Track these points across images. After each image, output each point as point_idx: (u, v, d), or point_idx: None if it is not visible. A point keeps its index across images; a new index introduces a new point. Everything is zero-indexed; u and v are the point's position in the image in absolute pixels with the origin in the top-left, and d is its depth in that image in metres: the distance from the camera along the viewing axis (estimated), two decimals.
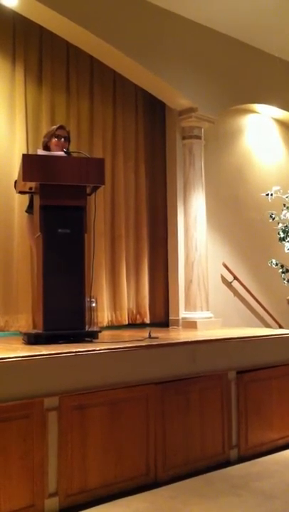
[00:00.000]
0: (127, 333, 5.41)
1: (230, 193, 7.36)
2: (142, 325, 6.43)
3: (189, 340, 4.48)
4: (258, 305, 7.36)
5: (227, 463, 4.39)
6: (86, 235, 4.36)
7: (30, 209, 4.82)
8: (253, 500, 3.64)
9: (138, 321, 6.49)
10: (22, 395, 3.31)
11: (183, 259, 6.64)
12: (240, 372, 4.61)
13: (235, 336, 4.85)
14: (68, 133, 4.91)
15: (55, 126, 4.91)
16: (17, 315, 5.48)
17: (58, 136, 4.77)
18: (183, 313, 6.57)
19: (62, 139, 4.77)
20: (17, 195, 5.20)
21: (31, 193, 4.62)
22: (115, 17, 5.88)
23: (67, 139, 4.85)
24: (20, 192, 4.70)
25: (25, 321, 5.48)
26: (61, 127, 4.85)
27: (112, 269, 6.30)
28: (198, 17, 6.59)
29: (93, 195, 4.61)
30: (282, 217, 6.78)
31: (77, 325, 4.17)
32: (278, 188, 6.82)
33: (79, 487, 3.53)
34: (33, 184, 4.30)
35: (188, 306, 6.55)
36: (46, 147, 4.80)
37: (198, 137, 6.73)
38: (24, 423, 3.32)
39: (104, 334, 4.70)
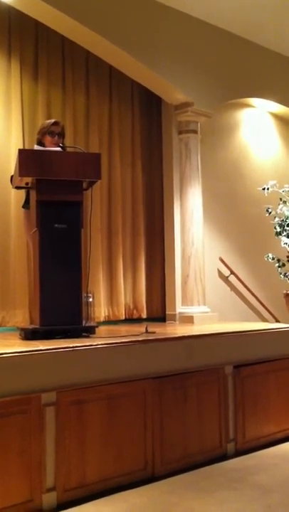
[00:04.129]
0: (124, 328, 5.42)
1: (227, 188, 7.36)
2: (139, 320, 6.44)
3: (186, 334, 4.48)
4: (255, 299, 7.37)
5: (224, 457, 4.40)
6: (82, 230, 4.35)
7: (26, 204, 4.80)
8: (250, 493, 3.65)
9: (135, 316, 6.50)
10: (19, 390, 3.31)
11: (179, 254, 6.64)
12: (237, 367, 4.63)
13: (232, 330, 4.86)
14: (63, 128, 4.83)
15: (48, 122, 4.81)
16: (14, 310, 5.48)
17: (52, 133, 4.70)
18: (180, 308, 6.58)
19: (56, 136, 4.70)
20: (13, 191, 5.20)
21: (28, 189, 4.60)
22: (111, 11, 5.86)
23: (62, 135, 4.77)
24: (17, 187, 4.68)
25: (22, 317, 5.48)
26: (55, 123, 4.76)
27: (108, 264, 6.30)
28: (194, 11, 6.57)
29: (90, 190, 4.61)
30: (278, 211, 6.80)
31: (74, 320, 4.17)
32: (275, 182, 6.84)
33: (77, 482, 3.54)
34: (29, 179, 4.29)
35: (185, 301, 6.55)
36: (40, 143, 4.75)
37: (195, 131, 6.73)
38: (22, 418, 3.33)
39: (102, 329, 4.70)
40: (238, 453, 4.51)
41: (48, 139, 4.70)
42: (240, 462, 4.34)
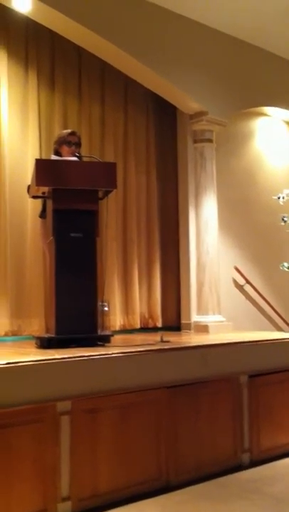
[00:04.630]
0: (139, 337, 5.42)
1: (242, 196, 7.35)
2: (154, 329, 6.44)
3: (201, 344, 4.48)
4: (270, 308, 7.34)
5: (239, 467, 4.37)
6: (98, 239, 4.37)
7: (43, 213, 4.83)
8: (265, 504, 3.63)
9: (150, 325, 6.50)
10: (35, 398, 3.32)
11: (194, 262, 6.64)
12: (252, 376, 4.60)
13: (247, 339, 4.84)
14: (79, 138, 4.88)
15: (65, 132, 4.87)
16: (30, 319, 5.51)
17: (69, 143, 4.74)
18: (195, 317, 6.57)
19: (73, 146, 4.75)
20: (30, 200, 5.24)
21: (44, 198, 4.64)
22: (126, 21, 5.90)
23: (78, 145, 4.81)
24: (34, 197, 4.72)
25: (37, 326, 5.50)
26: (72, 133, 4.81)
27: (124, 272, 6.32)
28: (209, 20, 6.60)
29: (105, 199, 4.63)
30: None
31: (90, 329, 4.19)
32: None
33: (91, 491, 3.54)
34: (45, 189, 4.33)
35: (200, 310, 6.55)
36: (57, 153, 4.80)
37: (210, 140, 6.74)
38: (37, 427, 3.33)
39: (117, 338, 4.71)
40: (253, 463, 4.47)
41: (64, 148, 4.74)
42: (255, 473, 4.31)
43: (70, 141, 4.75)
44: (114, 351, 3.79)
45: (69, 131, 4.87)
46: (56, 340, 4.10)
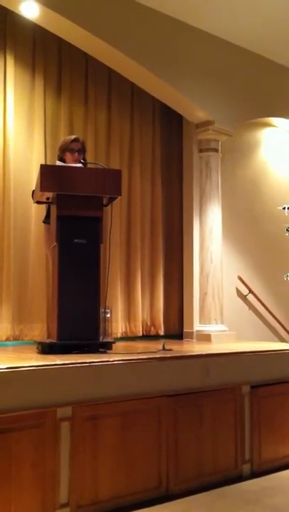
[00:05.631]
0: (141, 345, 5.40)
1: (246, 206, 7.35)
2: (156, 337, 6.42)
3: (203, 353, 4.45)
4: (273, 319, 7.31)
5: (240, 478, 4.34)
6: (102, 245, 4.36)
7: (47, 219, 4.83)
8: None
9: (152, 333, 6.48)
10: (35, 404, 3.30)
11: (198, 271, 6.63)
12: (254, 387, 4.58)
13: (250, 349, 4.82)
14: (83, 144, 4.84)
15: (68, 139, 4.84)
16: (32, 324, 5.50)
17: (72, 150, 4.72)
18: (197, 326, 6.55)
19: (76, 153, 4.73)
20: (34, 206, 5.24)
21: (48, 203, 4.64)
22: (133, 29, 5.92)
23: (82, 151, 4.79)
24: (38, 202, 4.71)
25: (39, 331, 5.49)
26: (75, 140, 4.78)
27: (127, 279, 6.31)
28: (216, 30, 6.61)
29: (109, 206, 4.62)
30: None
31: (92, 335, 4.17)
32: None
33: (90, 498, 3.51)
34: (50, 194, 4.32)
35: (203, 319, 6.52)
36: (62, 160, 4.79)
37: (216, 150, 6.74)
38: (37, 433, 3.32)
39: (118, 345, 4.69)
40: (254, 474, 4.44)
41: (68, 156, 4.73)
42: (256, 484, 4.28)
43: (73, 148, 4.73)
44: (116, 358, 3.78)
45: (72, 137, 4.84)
46: (58, 345, 4.09)
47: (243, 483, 4.28)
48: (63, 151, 4.78)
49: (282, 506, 3.76)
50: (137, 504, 3.67)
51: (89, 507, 3.50)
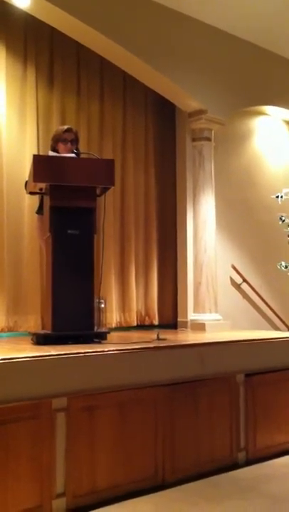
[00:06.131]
0: (135, 335, 5.41)
1: (240, 195, 7.34)
2: (151, 326, 6.43)
3: (198, 342, 4.47)
4: (267, 307, 7.34)
5: (235, 465, 4.37)
6: (95, 236, 4.36)
7: (40, 210, 4.82)
8: (261, 503, 3.63)
9: (147, 323, 6.49)
10: (30, 395, 3.31)
11: (192, 261, 6.63)
12: (249, 375, 4.60)
13: (244, 338, 4.84)
14: (76, 134, 4.84)
15: (61, 129, 4.83)
16: (26, 315, 5.49)
17: (65, 141, 4.71)
18: (191, 315, 6.56)
19: (69, 143, 4.72)
20: (27, 196, 5.22)
21: (41, 194, 4.63)
22: (126, 18, 5.88)
23: (75, 141, 4.78)
24: (31, 193, 4.71)
25: (34, 322, 5.49)
26: (67, 130, 4.77)
27: (121, 270, 6.31)
28: (208, 19, 6.58)
29: (103, 196, 4.62)
30: None
31: (86, 326, 4.18)
32: (288, 190, 6.80)
33: (87, 488, 3.53)
34: (43, 185, 4.31)
35: (197, 308, 6.53)
36: (55, 150, 4.77)
37: (208, 139, 6.72)
38: (32, 424, 3.33)
39: (113, 335, 4.70)
40: (249, 462, 4.48)
41: (60, 146, 4.72)
42: (251, 471, 4.31)
43: (66, 138, 4.71)
44: (111, 348, 3.79)
45: (65, 127, 4.83)
46: (52, 336, 4.10)
47: (238, 471, 4.31)
48: (56, 141, 4.76)
49: (278, 493, 3.79)
50: (134, 493, 3.70)
51: (86, 496, 3.52)
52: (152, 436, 3.90)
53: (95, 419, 3.61)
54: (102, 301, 4.62)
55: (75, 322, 4.13)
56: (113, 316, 6.07)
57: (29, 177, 4.50)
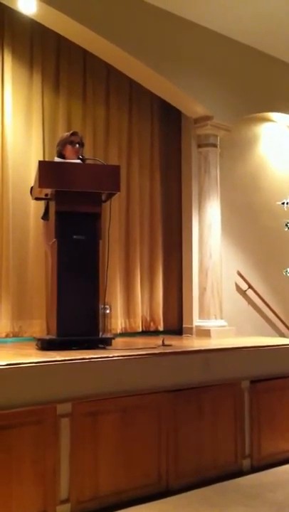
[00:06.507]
0: (140, 341, 5.41)
1: (245, 201, 7.34)
2: (156, 332, 6.42)
3: (203, 348, 4.46)
4: (273, 314, 7.32)
5: (239, 473, 4.35)
6: (101, 241, 4.37)
7: (46, 215, 4.82)
8: (265, 510, 3.61)
9: (152, 329, 6.48)
10: (35, 400, 3.31)
11: (197, 266, 6.62)
12: (254, 382, 4.59)
13: (249, 344, 4.83)
14: (81, 138, 4.86)
15: (67, 133, 4.86)
16: (31, 320, 5.49)
17: (72, 143, 4.72)
18: (197, 321, 6.55)
19: (77, 145, 4.74)
20: (33, 202, 5.23)
21: (47, 200, 4.63)
22: (131, 25, 5.90)
23: (82, 145, 4.82)
24: (36, 198, 4.72)
25: (39, 327, 5.49)
26: (74, 133, 4.79)
27: (126, 275, 6.31)
28: (214, 25, 6.59)
29: (108, 202, 4.62)
30: None
31: (91, 331, 4.18)
32: None
33: (90, 494, 3.53)
34: (48, 191, 4.32)
35: (202, 314, 6.52)
36: (61, 155, 4.77)
37: (214, 145, 6.72)
38: (37, 429, 3.33)
39: (118, 341, 4.70)
40: (254, 469, 4.46)
41: (68, 148, 4.71)
42: (255, 478, 4.29)
43: (73, 140, 4.72)
44: (116, 354, 3.78)
45: (71, 131, 4.86)
46: (57, 342, 4.09)
47: (242, 478, 4.29)
48: (63, 144, 4.76)
49: (283, 501, 3.77)
50: (137, 499, 3.69)
51: (89, 502, 3.51)
52: (156, 442, 3.89)
53: (99, 424, 3.61)
54: (107, 306, 4.62)
55: (80, 327, 4.13)
56: (118, 322, 6.07)
57: (35, 183, 4.52)
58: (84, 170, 4.40)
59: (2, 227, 5.40)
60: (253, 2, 6.11)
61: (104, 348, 4.16)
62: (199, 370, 4.17)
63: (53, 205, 4.36)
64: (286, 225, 6.74)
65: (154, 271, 6.58)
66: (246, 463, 4.45)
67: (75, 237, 4.22)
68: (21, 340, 5.32)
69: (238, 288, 7.12)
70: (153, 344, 4.52)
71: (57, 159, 4.75)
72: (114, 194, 4.53)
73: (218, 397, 4.32)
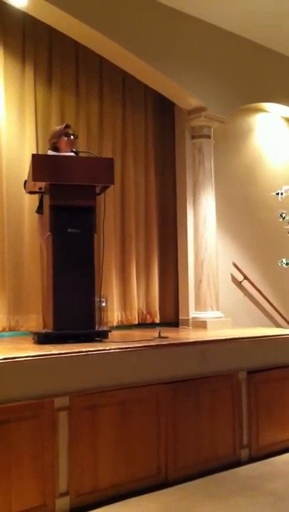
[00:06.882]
0: (136, 333, 5.41)
1: (240, 193, 7.33)
2: (152, 325, 6.43)
3: (199, 340, 4.47)
4: (269, 305, 7.33)
5: (238, 463, 4.37)
6: (96, 234, 4.36)
7: (40, 209, 4.81)
8: (264, 500, 3.62)
9: (148, 321, 6.48)
10: (32, 394, 3.31)
11: (192, 258, 6.62)
12: (251, 373, 4.60)
13: (246, 335, 4.84)
14: (74, 130, 4.87)
15: (61, 126, 4.86)
16: (27, 315, 5.49)
17: (67, 135, 4.72)
18: (193, 313, 6.56)
19: (72, 137, 4.74)
20: (27, 196, 5.21)
21: (41, 193, 4.62)
22: (125, 17, 5.87)
23: (76, 137, 4.82)
24: (30, 192, 4.70)
25: (35, 321, 5.48)
26: (68, 126, 4.80)
27: (122, 268, 6.30)
28: (208, 17, 6.56)
29: (103, 194, 4.61)
30: None
31: (87, 324, 4.18)
32: (288, 187, 6.79)
33: (90, 487, 3.53)
34: (42, 184, 4.31)
35: (198, 306, 6.53)
36: (55, 148, 4.76)
37: (208, 136, 6.71)
38: (35, 423, 3.33)
39: (114, 334, 4.69)
40: (252, 459, 4.47)
41: (63, 140, 4.71)
42: (254, 469, 4.30)
43: (68, 132, 4.73)
44: (112, 347, 3.78)
45: (64, 124, 4.86)
46: (54, 335, 4.09)
47: (241, 468, 4.30)
48: (59, 136, 4.75)
49: (281, 491, 3.78)
50: (137, 491, 3.70)
51: (89, 495, 3.52)
52: (155, 434, 3.90)
53: (97, 417, 3.61)
54: (103, 299, 4.62)
55: (76, 321, 4.13)
56: (114, 315, 6.07)
57: (28, 176, 4.50)
58: (78, 163, 4.39)
59: None
60: None
61: (100, 341, 4.16)
62: (196, 362, 4.17)
63: (47, 198, 4.35)
64: (281, 216, 6.73)
65: (149, 263, 6.58)
66: (244, 453, 4.47)
67: (69, 230, 4.21)
68: (18, 335, 5.32)
69: (234, 279, 7.13)
70: (149, 336, 4.52)
71: (50, 152, 4.73)
72: (109, 187, 4.53)
73: (216, 388, 4.33)
